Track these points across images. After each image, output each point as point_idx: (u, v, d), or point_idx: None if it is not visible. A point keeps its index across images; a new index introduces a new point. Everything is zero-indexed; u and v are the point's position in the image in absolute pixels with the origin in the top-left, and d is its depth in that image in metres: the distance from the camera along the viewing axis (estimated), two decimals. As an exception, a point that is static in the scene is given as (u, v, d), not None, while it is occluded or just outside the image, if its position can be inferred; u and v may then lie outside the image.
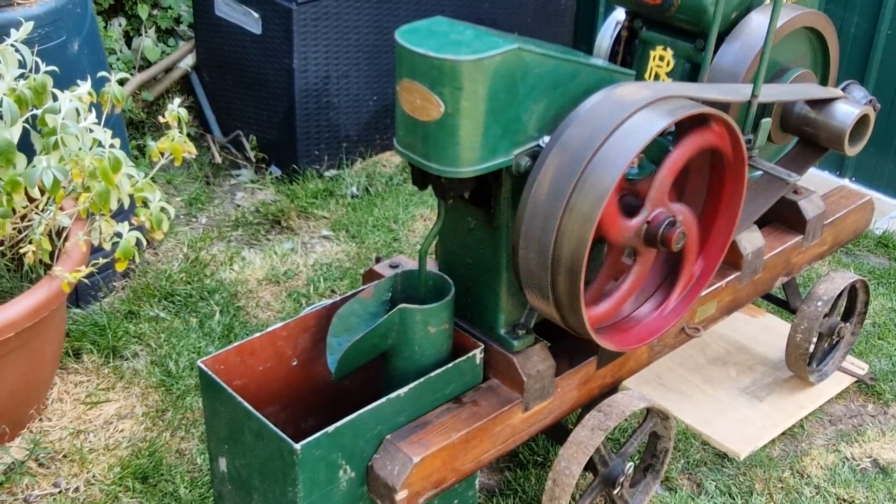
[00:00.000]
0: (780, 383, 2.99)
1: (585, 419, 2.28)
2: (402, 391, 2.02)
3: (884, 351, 3.16)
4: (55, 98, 2.33)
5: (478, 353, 2.16)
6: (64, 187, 2.31)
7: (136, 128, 4.12)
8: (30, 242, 2.47)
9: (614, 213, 1.97)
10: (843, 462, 2.75)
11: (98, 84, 2.51)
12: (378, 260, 2.44)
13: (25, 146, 2.34)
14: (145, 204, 2.46)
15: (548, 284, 1.96)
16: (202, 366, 2.04)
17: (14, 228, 2.51)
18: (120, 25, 4.17)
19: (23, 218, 2.51)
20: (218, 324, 3.11)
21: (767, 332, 3.19)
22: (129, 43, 4.22)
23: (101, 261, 2.67)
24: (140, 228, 2.47)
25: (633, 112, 1.92)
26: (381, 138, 4.13)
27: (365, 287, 2.21)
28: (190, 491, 2.54)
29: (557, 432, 2.45)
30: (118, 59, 4.07)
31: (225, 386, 2.00)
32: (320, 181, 3.89)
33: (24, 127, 2.34)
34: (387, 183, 3.96)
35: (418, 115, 1.88)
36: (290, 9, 3.62)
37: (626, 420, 2.51)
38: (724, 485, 2.65)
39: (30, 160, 2.30)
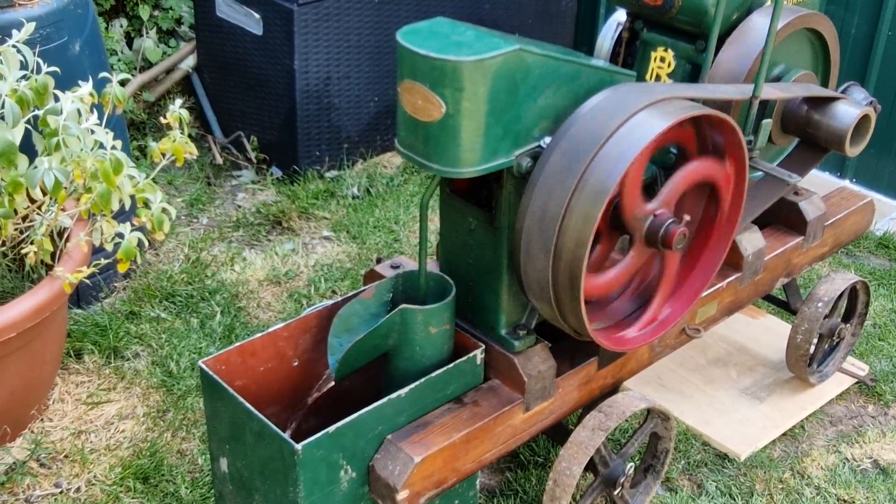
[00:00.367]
0: (781, 384, 2.99)
1: (586, 419, 2.29)
2: (402, 391, 2.02)
3: (884, 352, 3.16)
4: (57, 99, 2.33)
5: (479, 354, 2.16)
6: (65, 188, 2.31)
7: (138, 128, 4.12)
8: (31, 243, 2.47)
9: (637, 187, 1.99)
10: (844, 463, 2.75)
11: (99, 85, 2.51)
12: (379, 260, 2.44)
13: (27, 147, 2.34)
14: (146, 205, 2.46)
15: (548, 285, 1.96)
16: (203, 366, 2.04)
17: (16, 229, 2.51)
18: (121, 26, 4.18)
19: (24, 218, 2.51)
20: (219, 324, 3.11)
21: (768, 333, 3.19)
22: (130, 44, 4.22)
23: (103, 261, 2.67)
24: (141, 229, 2.47)
25: (634, 113, 1.92)
26: (382, 139, 4.13)
27: (366, 287, 2.21)
28: (191, 491, 2.54)
29: (558, 433, 2.46)
30: (119, 60, 4.07)
31: (226, 386, 2.00)
32: (321, 182, 3.89)
33: (25, 128, 2.34)
34: (388, 184, 3.96)
35: (419, 115, 1.88)
36: (292, 10, 3.62)
37: (626, 421, 2.51)
38: (725, 485, 2.65)
39: (31, 161, 2.30)
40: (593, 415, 2.29)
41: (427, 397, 2.09)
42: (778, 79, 2.50)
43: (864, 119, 2.54)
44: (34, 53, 2.37)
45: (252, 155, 4.02)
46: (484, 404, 2.15)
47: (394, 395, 2.01)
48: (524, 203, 1.96)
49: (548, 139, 1.98)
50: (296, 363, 2.22)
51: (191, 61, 4.24)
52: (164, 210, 2.46)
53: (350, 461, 1.97)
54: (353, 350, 2.06)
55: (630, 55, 2.59)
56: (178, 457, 2.66)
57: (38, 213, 2.51)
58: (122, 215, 2.62)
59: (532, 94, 1.92)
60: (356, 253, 3.54)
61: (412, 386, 2.04)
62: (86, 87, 2.39)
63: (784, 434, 2.84)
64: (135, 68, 4.16)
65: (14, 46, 2.34)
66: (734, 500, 2.61)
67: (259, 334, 2.16)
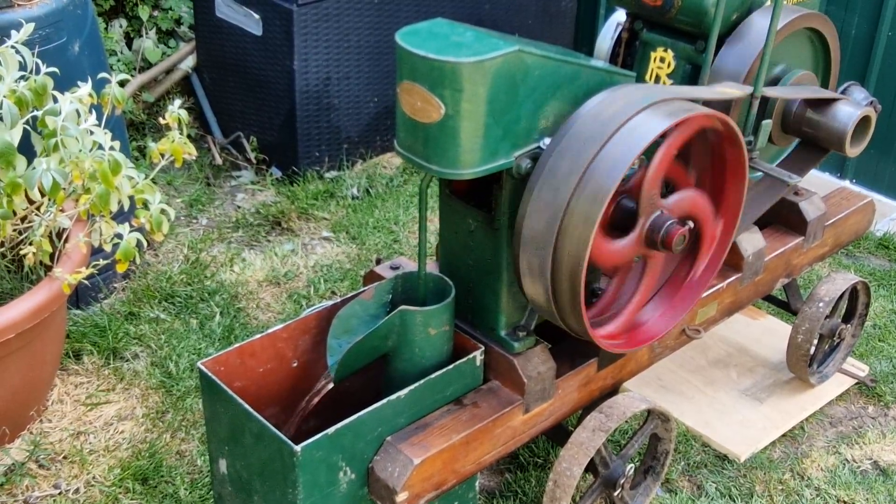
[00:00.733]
0: (781, 385, 2.99)
1: (586, 421, 2.28)
2: (402, 393, 2.02)
3: (884, 353, 3.16)
4: (55, 100, 2.33)
5: (478, 355, 2.15)
6: (64, 189, 2.31)
7: (137, 129, 4.12)
8: (30, 244, 2.47)
9: (666, 165, 1.97)
10: (844, 464, 2.75)
11: (98, 85, 2.51)
12: (378, 261, 2.44)
13: (26, 148, 2.34)
14: (146, 205, 2.45)
15: (549, 286, 1.96)
16: (202, 367, 2.04)
17: (14, 230, 2.51)
18: (120, 27, 4.17)
19: (23, 219, 2.51)
20: (218, 325, 3.11)
21: (768, 333, 3.19)
22: (129, 44, 4.22)
23: (102, 262, 2.67)
24: (140, 230, 2.46)
25: (634, 114, 1.92)
26: (382, 140, 4.12)
27: (365, 288, 2.21)
28: (190, 492, 2.54)
29: (558, 434, 2.45)
30: (119, 61, 4.07)
31: (225, 387, 2.00)
32: (321, 182, 3.89)
33: (24, 129, 2.34)
34: (387, 184, 3.96)
35: (419, 116, 1.88)
36: (291, 10, 3.62)
37: (626, 422, 2.51)
38: (725, 486, 2.65)
39: (30, 162, 2.30)
40: (594, 416, 2.29)
41: (426, 399, 2.09)
42: (778, 79, 2.50)
43: (865, 119, 2.53)
44: (33, 54, 2.37)
45: (251, 155, 4.02)
46: (483, 406, 2.15)
47: (393, 397, 2.01)
48: (524, 204, 1.95)
49: (547, 140, 1.97)
50: (295, 364, 2.22)
51: (190, 62, 4.24)
52: (163, 211, 2.46)
53: (349, 463, 1.97)
54: (353, 351, 2.06)
55: (630, 55, 2.59)
56: (178, 458, 2.66)
57: (36, 214, 2.51)
58: (121, 216, 2.62)
59: (532, 95, 1.92)
60: (356, 254, 3.53)
61: (412, 387, 2.03)
62: (85, 88, 2.38)
63: (784, 435, 2.84)
64: (134, 69, 4.16)
65: (13, 47, 2.34)
66: (734, 501, 2.61)
67: (258, 335, 2.15)
